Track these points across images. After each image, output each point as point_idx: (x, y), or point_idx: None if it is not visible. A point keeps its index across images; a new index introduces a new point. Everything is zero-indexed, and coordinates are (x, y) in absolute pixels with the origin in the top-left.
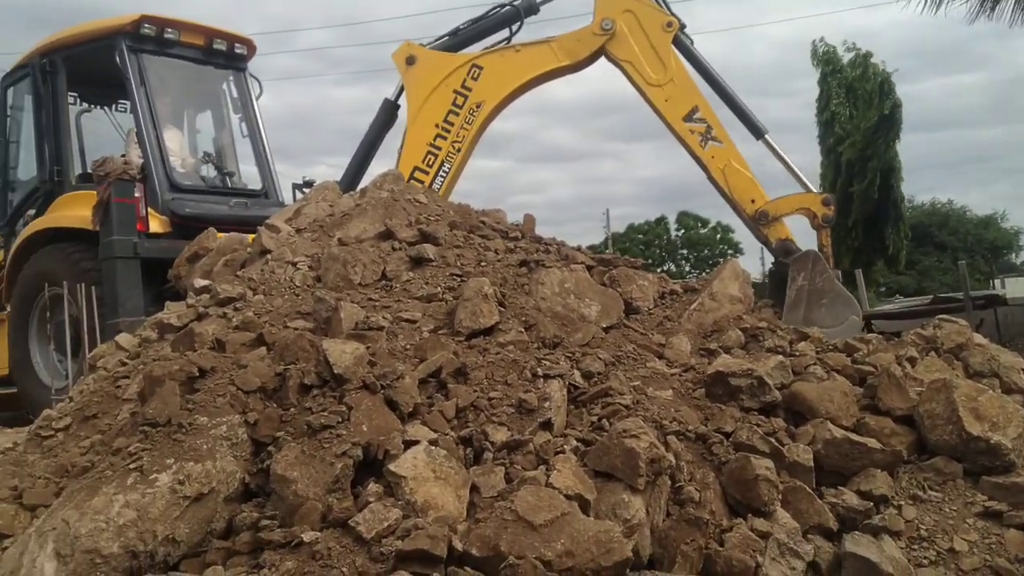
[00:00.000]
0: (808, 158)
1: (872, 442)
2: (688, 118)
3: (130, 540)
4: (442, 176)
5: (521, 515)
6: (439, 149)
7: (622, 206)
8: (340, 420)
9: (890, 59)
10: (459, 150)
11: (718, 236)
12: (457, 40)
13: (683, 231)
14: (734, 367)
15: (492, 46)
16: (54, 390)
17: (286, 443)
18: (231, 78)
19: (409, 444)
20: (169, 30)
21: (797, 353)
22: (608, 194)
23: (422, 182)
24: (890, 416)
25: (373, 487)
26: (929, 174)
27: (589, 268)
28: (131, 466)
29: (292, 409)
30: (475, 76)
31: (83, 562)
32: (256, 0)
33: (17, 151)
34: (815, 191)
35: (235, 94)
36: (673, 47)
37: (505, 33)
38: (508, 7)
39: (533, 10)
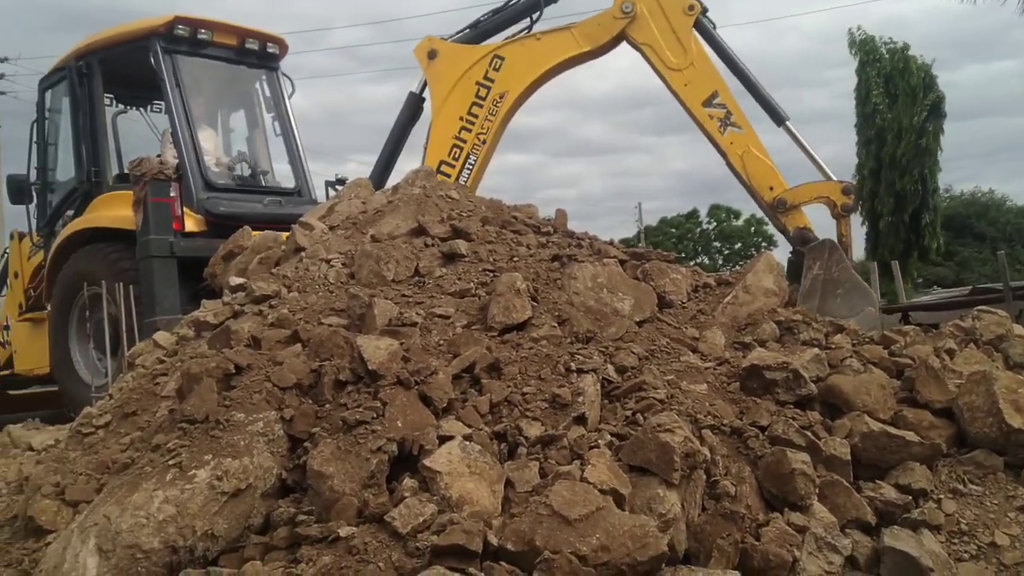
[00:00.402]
0: (842, 147)
1: (910, 435)
2: (708, 103)
3: (170, 535)
4: (468, 169)
5: (556, 510)
6: (464, 142)
7: (654, 199)
8: (375, 416)
9: (925, 48)
10: (484, 142)
11: (752, 229)
12: (478, 32)
13: (715, 224)
14: (769, 360)
15: (513, 36)
16: (94, 388)
17: (322, 439)
18: (264, 77)
19: (443, 439)
20: (202, 31)
21: (833, 346)
22: (640, 188)
23: (449, 176)
24: (929, 409)
25: (408, 482)
26: (968, 163)
27: (622, 262)
28: (170, 462)
29: (327, 405)
30: (497, 67)
31: (124, 557)
32: None
33: (56, 153)
34: (835, 179)
35: (268, 93)
36: (694, 31)
37: (526, 23)
38: None
39: None
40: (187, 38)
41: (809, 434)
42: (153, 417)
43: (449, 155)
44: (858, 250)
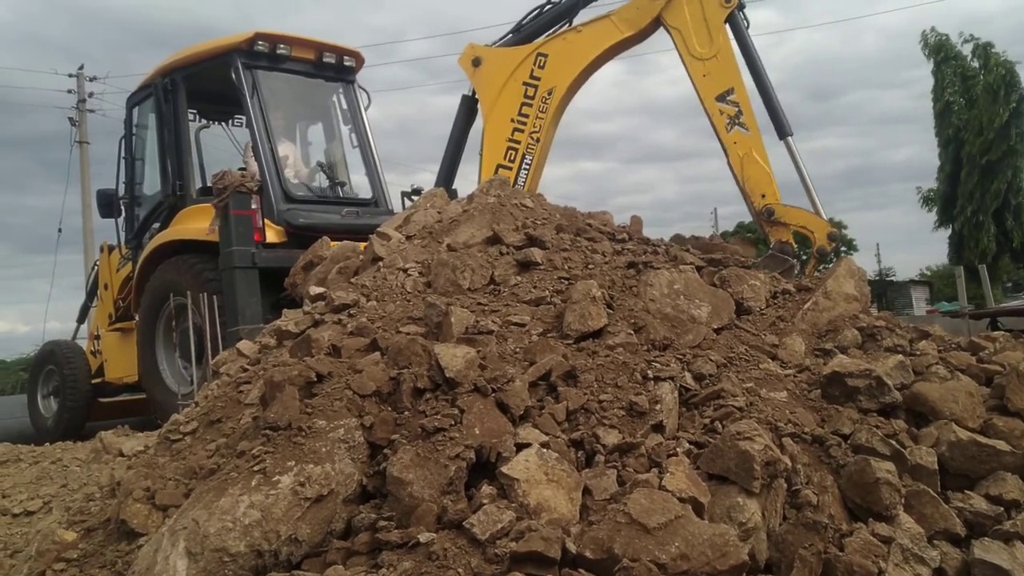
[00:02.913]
0: (922, 149)
1: (1001, 444)
2: (721, 98)
3: (255, 539)
4: (526, 169)
5: (634, 518)
6: (518, 143)
7: (730, 205)
8: (453, 423)
9: (1006, 46)
10: (538, 140)
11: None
12: (521, 36)
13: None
14: (851, 367)
15: (555, 29)
16: (180, 395)
17: (401, 446)
18: (341, 90)
19: (521, 447)
20: (281, 46)
21: (918, 352)
22: (715, 193)
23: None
24: (1020, 417)
25: (486, 489)
26: None
27: (699, 268)
28: (255, 468)
29: (406, 412)
30: (541, 65)
31: (212, 560)
32: (362, 12)
33: (142, 167)
34: (826, 219)
35: (345, 106)
36: (726, 25)
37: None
38: None
39: None
40: (267, 53)
41: (894, 443)
42: (238, 424)
43: (505, 158)
44: (940, 256)
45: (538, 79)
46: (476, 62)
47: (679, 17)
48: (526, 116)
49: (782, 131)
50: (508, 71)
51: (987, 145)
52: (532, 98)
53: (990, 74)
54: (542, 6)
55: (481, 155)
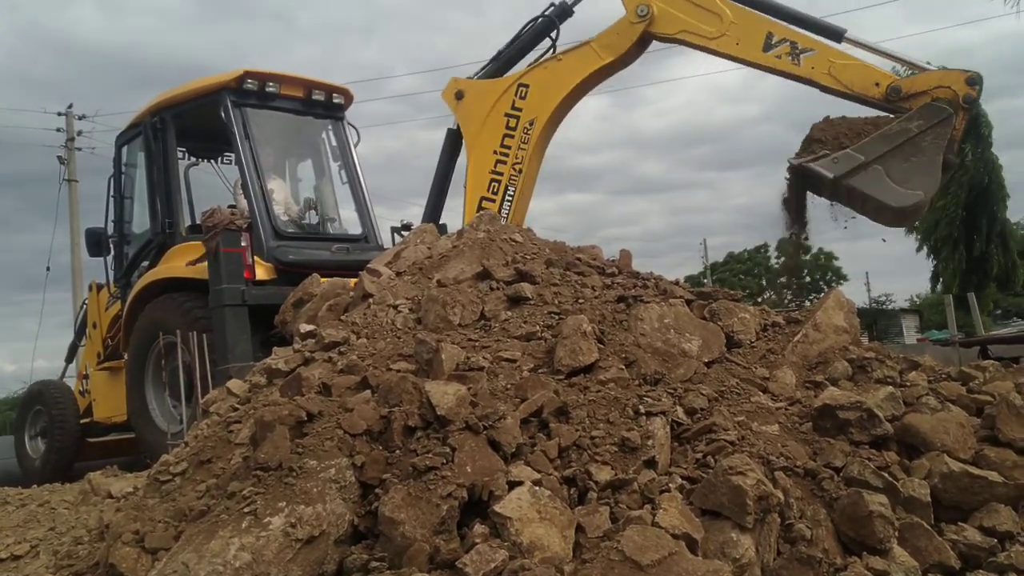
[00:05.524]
0: None
1: (993, 475)
2: (767, 47)
3: None
4: (508, 201)
5: (628, 555)
6: (501, 175)
7: (719, 235)
8: (444, 461)
9: (987, 74)
10: (520, 171)
11: (820, 262)
12: (500, 64)
13: (784, 258)
14: (842, 399)
15: (537, 59)
16: (170, 435)
17: (393, 485)
18: (330, 127)
19: (513, 485)
20: (270, 84)
21: (908, 383)
22: (704, 223)
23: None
24: (1011, 448)
25: (479, 528)
26: None
27: (688, 302)
28: (245, 510)
29: (397, 451)
30: (523, 95)
31: None
32: (349, 49)
33: (131, 206)
34: (955, 68)
35: (334, 142)
36: None
37: (547, 44)
38: (541, 18)
39: (567, 14)
40: (256, 91)
41: (886, 475)
42: (228, 464)
43: (488, 190)
44: (923, 283)
45: (520, 110)
46: (459, 95)
47: (675, 23)
48: (508, 147)
49: (836, 36)
50: (490, 103)
51: None
52: (514, 129)
53: None
54: (521, 29)
55: (466, 188)
